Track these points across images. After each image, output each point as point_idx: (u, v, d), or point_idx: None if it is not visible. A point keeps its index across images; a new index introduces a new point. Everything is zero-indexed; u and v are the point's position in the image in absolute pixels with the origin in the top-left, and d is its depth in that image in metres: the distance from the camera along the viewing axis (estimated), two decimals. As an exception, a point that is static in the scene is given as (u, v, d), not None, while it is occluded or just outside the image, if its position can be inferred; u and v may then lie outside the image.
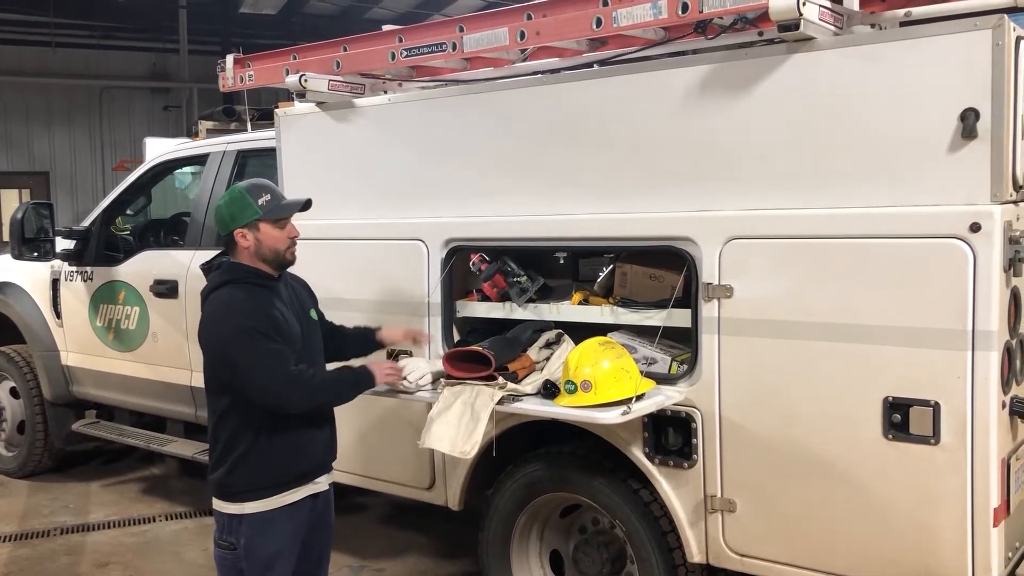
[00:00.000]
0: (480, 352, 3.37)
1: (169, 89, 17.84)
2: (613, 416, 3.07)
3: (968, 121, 2.69)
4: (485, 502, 3.89)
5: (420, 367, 3.51)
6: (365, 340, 3.63)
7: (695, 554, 3.31)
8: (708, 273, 3.17)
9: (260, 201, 3.09)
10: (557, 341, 3.59)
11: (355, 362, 3.36)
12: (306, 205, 3.22)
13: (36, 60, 16.68)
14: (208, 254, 5.23)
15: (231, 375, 3.01)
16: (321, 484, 3.26)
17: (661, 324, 3.36)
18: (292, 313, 3.18)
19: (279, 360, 2.98)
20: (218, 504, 3.13)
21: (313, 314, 3.35)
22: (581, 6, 3.27)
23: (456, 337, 3.94)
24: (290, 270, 3.30)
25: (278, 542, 3.10)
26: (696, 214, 3.21)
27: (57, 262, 6.21)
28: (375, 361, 3.22)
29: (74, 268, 6.13)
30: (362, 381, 3.22)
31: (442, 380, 3.46)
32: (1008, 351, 2.82)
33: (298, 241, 3.20)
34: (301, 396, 3.03)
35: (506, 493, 3.79)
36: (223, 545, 3.11)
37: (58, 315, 6.29)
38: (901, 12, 3.12)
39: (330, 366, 3.35)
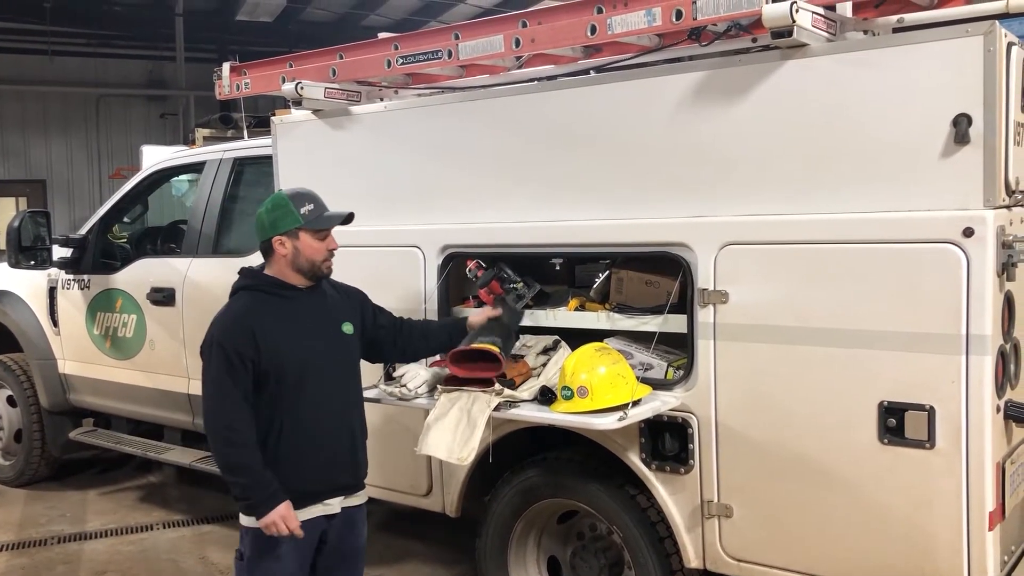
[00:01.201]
0: (485, 350, 3.32)
1: (166, 97, 17.84)
2: (609, 422, 3.08)
3: (960, 127, 2.71)
4: (482, 509, 3.90)
5: (419, 374, 3.52)
6: (456, 329, 3.56)
7: (692, 559, 3.31)
8: (704, 279, 3.18)
9: (303, 209, 3.09)
10: (554, 347, 3.59)
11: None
12: (348, 218, 3.19)
13: (33, 68, 16.67)
14: (205, 262, 5.31)
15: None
16: (332, 506, 3.14)
17: (657, 330, 3.37)
18: (313, 328, 3.13)
19: (221, 386, 2.98)
20: (240, 514, 3.13)
21: (347, 328, 3.24)
22: (576, 13, 3.28)
23: (453, 343, 3.95)
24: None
25: (280, 560, 3.05)
26: (691, 220, 3.23)
27: (54, 270, 6.21)
28: (282, 509, 2.95)
29: (71, 276, 6.13)
30: (242, 492, 2.98)
31: (439, 386, 3.46)
32: (1002, 355, 2.83)
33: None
34: (210, 437, 3.05)
35: (503, 499, 3.79)
36: (236, 555, 3.14)
37: (55, 323, 6.29)
38: (894, 19, 3.14)
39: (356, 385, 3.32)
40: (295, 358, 3.06)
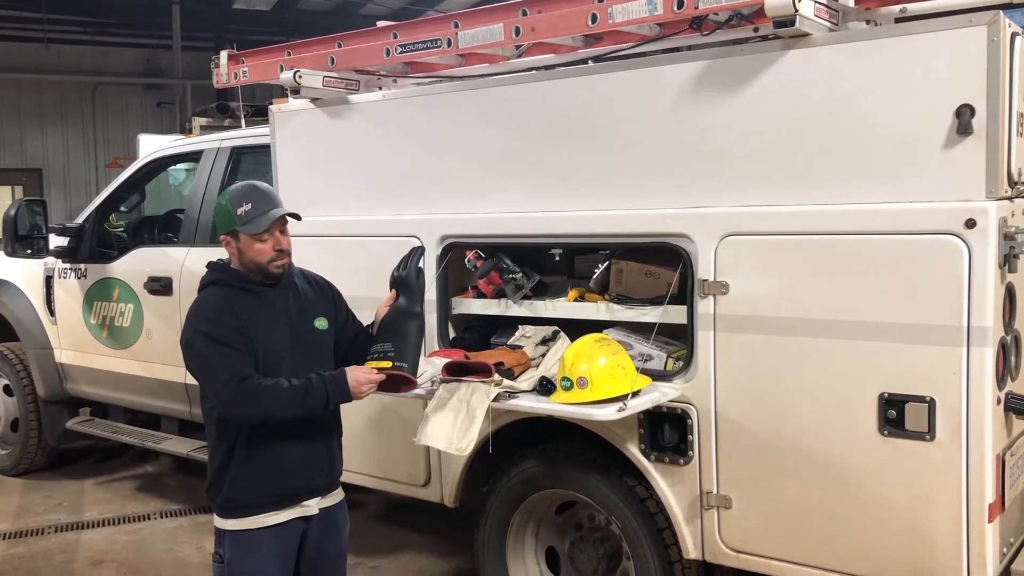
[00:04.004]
0: (477, 362, 3.32)
1: (163, 85, 17.77)
2: (609, 413, 3.07)
3: (963, 117, 2.69)
4: (480, 499, 3.89)
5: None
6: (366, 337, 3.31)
7: (691, 551, 3.31)
8: (704, 270, 3.17)
9: (240, 210, 2.96)
10: (553, 338, 3.58)
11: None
12: (292, 216, 3.06)
13: (29, 56, 16.59)
14: (202, 251, 5.29)
15: (199, 381, 3.02)
16: (310, 507, 3.08)
17: (657, 321, 3.36)
18: (282, 322, 3.05)
19: (228, 365, 2.88)
20: (214, 516, 3.11)
21: (320, 323, 3.16)
22: (576, 2, 3.25)
23: (452, 334, 3.94)
24: (310, 269, 3.28)
25: (260, 562, 3.00)
26: (691, 211, 3.21)
27: (51, 259, 6.19)
28: (354, 368, 3.00)
29: (68, 265, 6.11)
30: (315, 393, 2.91)
31: (438, 377, 3.45)
32: (1003, 347, 2.82)
33: (293, 238, 3.13)
34: (244, 403, 2.88)
35: (501, 490, 3.79)
36: (214, 556, 3.11)
37: (52, 312, 6.27)
38: (896, 8, 3.12)
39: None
40: (265, 354, 2.98)
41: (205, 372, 2.97)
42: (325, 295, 3.27)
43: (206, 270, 3.16)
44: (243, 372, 2.88)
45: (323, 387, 2.94)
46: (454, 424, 3.26)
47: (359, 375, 3.00)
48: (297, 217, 3.11)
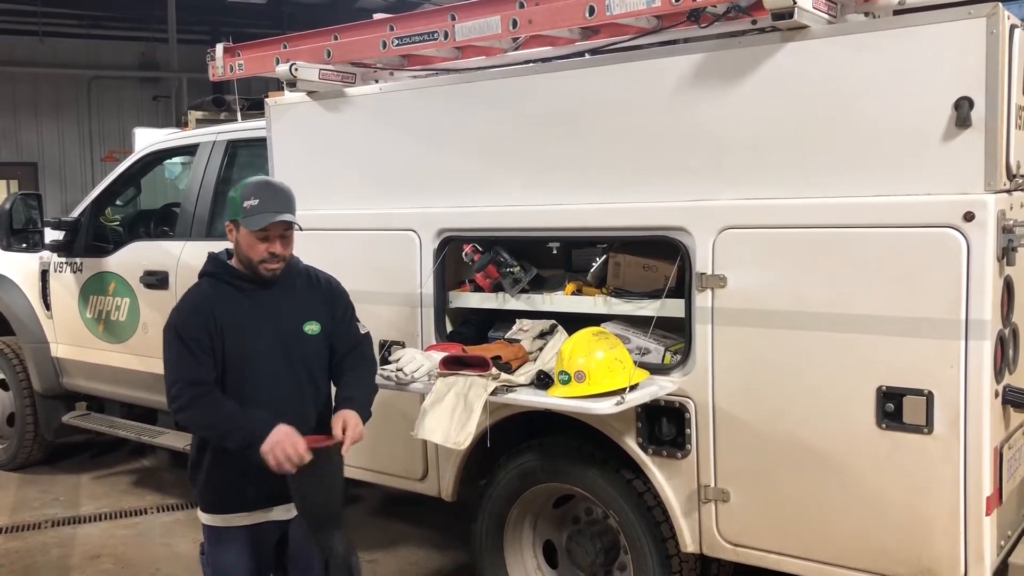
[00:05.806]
0: (474, 356, 3.35)
1: (158, 79, 17.72)
2: (607, 406, 3.06)
3: (962, 110, 2.68)
4: (478, 493, 3.89)
5: (415, 358, 3.50)
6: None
7: (688, 544, 3.31)
8: (702, 263, 3.16)
9: (246, 203, 2.94)
10: (550, 331, 3.58)
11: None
12: (285, 225, 2.97)
13: (24, 50, 16.55)
14: (199, 245, 5.28)
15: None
16: (277, 515, 3.07)
17: (654, 314, 3.35)
18: (269, 324, 3.00)
19: (183, 366, 2.89)
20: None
21: (311, 327, 3.07)
22: (574, -6, 3.24)
23: (449, 328, 3.93)
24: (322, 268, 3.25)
25: (233, 558, 3.02)
26: (689, 204, 3.20)
27: (46, 253, 6.18)
28: (284, 430, 2.82)
29: (63, 259, 6.10)
30: (240, 428, 2.83)
31: (435, 371, 3.44)
32: (1001, 340, 2.82)
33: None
34: (180, 405, 2.89)
35: (499, 484, 3.78)
36: (201, 547, 3.14)
37: (47, 306, 6.26)
38: (895, 0, 3.11)
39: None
40: (241, 354, 2.95)
41: (165, 364, 2.98)
42: (323, 298, 3.17)
43: (207, 259, 3.15)
44: (194, 377, 2.88)
45: (252, 427, 2.83)
46: (452, 418, 3.26)
47: (279, 445, 2.78)
48: (298, 227, 3.05)
